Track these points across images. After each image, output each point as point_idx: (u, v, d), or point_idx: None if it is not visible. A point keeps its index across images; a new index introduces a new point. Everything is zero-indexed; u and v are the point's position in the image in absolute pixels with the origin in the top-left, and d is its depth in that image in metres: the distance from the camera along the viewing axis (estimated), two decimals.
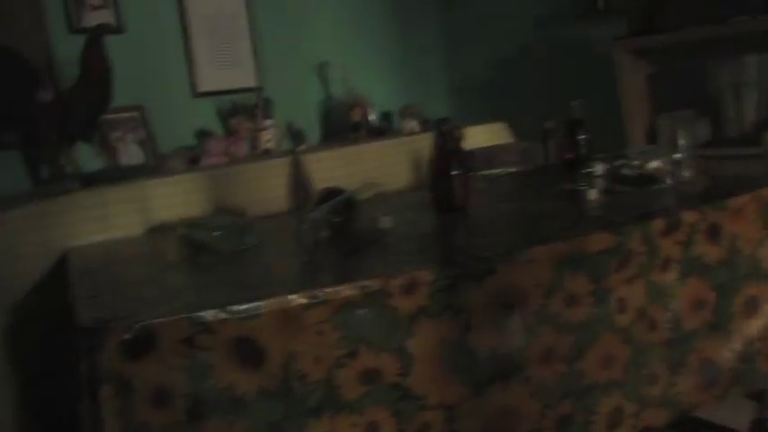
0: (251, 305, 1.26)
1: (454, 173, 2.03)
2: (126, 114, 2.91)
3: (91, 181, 2.51)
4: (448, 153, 2.06)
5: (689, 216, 1.69)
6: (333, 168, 2.74)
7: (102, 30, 2.61)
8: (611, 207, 1.90)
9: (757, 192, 1.81)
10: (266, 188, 2.65)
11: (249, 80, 3.34)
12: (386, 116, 3.61)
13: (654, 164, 2.17)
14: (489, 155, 3.16)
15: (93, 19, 2.82)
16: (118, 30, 2.95)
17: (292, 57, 3.55)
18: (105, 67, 2.57)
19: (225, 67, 3.29)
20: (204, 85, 3.21)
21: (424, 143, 3.19)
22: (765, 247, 1.83)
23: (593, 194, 1.97)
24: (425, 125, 3.43)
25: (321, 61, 3.61)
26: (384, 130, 3.44)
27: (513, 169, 2.96)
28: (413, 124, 3.40)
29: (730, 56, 3.11)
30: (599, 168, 2.22)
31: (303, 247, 1.69)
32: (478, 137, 3.36)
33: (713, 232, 1.74)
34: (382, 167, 2.94)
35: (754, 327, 1.83)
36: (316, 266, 1.62)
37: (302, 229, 1.71)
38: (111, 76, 2.59)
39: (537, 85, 3.84)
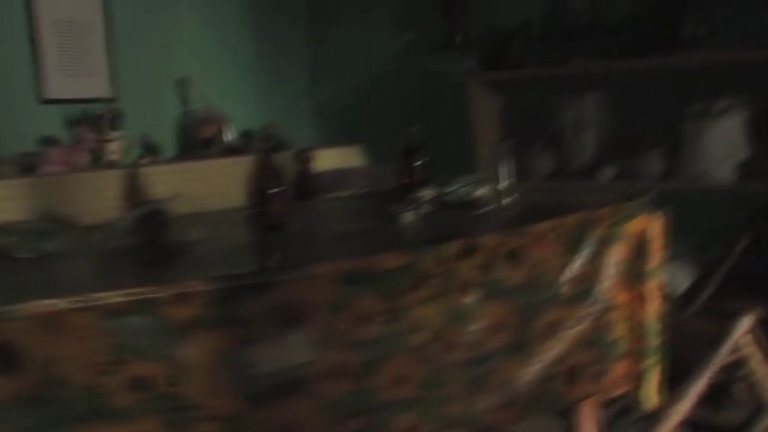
0: (7, 308, 1.22)
1: (272, 190, 2.03)
2: None
3: None
4: (267, 170, 2.06)
5: (488, 240, 1.73)
6: (173, 183, 2.69)
7: None
8: (422, 229, 1.93)
9: (560, 219, 1.87)
10: (102, 199, 2.59)
11: (102, 90, 3.27)
12: (246, 135, 3.60)
13: (478, 190, 2.24)
14: (339, 177, 3.18)
15: None
16: None
17: (152, 70, 3.51)
18: None
19: (77, 75, 3.21)
20: (52, 92, 3.13)
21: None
22: (567, 272, 1.90)
23: (409, 217, 2.01)
24: (281, 146, 3.43)
25: (182, 76, 3.58)
26: (240, 148, 3.43)
27: (359, 191, 2.99)
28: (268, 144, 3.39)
29: (573, 94, 3.25)
30: (427, 193, 2.28)
31: (100, 255, 1.66)
32: (332, 159, 3.39)
33: (515, 257, 1.79)
34: (225, 184, 2.91)
35: (554, 349, 1.89)
36: (107, 273, 1.58)
37: (103, 237, 1.68)
38: None
39: (396, 113, 3.91)
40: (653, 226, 2.07)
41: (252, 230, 2.00)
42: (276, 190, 2.05)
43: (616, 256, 2.00)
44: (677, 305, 2.92)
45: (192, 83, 3.57)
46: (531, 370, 1.86)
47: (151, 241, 1.77)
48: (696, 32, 2.99)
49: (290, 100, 4.23)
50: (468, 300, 1.73)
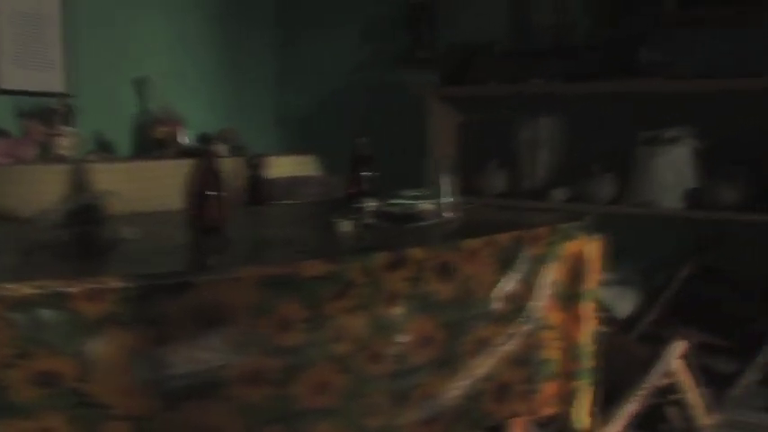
0: None
1: (210, 194, 2.01)
2: None
3: None
4: (206, 173, 2.04)
5: (417, 253, 1.72)
6: (118, 182, 2.67)
7: None
8: (354, 239, 1.92)
9: (494, 236, 1.88)
10: (45, 192, 2.56)
11: (57, 84, 3.24)
12: (204, 138, 3.59)
13: (421, 204, 2.24)
14: (292, 184, 3.18)
15: None
16: None
17: (111, 67, 3.48)
18: None
19: (32, 67, 3.18)
20: (5, 83, 3.09)
21: (224, 168, 3.20)
22: (500, 289, 1.90)
23: (346, 227, 2.00)
24: (236, 151, 3.43)
25: (141, 75, 3.56)
26: (195, 151, 3.40)
27: (310, 200, 2.99)
28: (222, 148, 3.38)
29: (530, 114, 3.27)
30: (370, 204, 2.28)
31: (26, 247, 1.64)
32: (287, 167, 3.38)
33: (445, 271, 1.79)
34: (172, 186, 2.90)
35: (483, 366, 1.89)
36: (26, 265, 1.56)
37: (33, 228, 1.66)
38: None
39: (357, 124, 3.91)
40: (591, 248, 2.08)
41: (187, 232, 1.99)
42: (214, 193, 2.03)
43: (551, 276, 2.01)
44: (621, 329, 2.94)
45: (151, 83, 3.55)
46: (459, 385, 1.85)
47: (80, 236, 1.75)
48: (652, 61, 3.02)
49: (254, 106, 4.22)
50: (396, 312, 1.72)
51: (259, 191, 3.16)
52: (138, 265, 1.60)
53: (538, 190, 3.24)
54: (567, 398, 2.08)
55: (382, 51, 3.93)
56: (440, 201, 2.23)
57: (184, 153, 3.32)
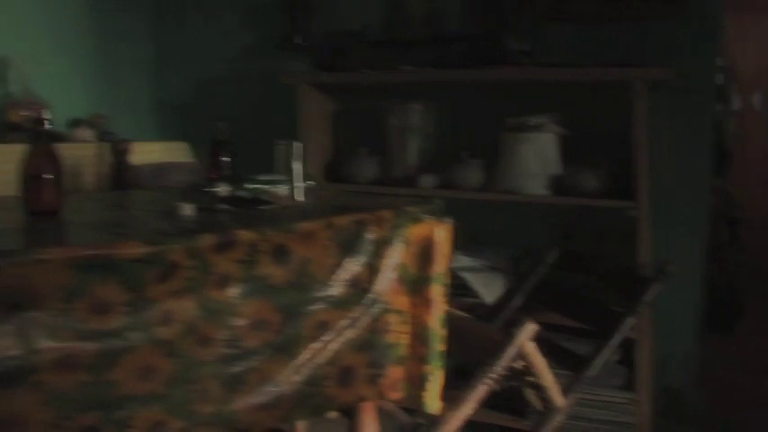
0: None
1: (44, 176, 1.94)
2: None
3: None
4: (40, 156, 1.97)
5: (247, 236, 1.69)
6: None
7: None
8: (191, 222, 1.88)
9: (331, 218, 1.86)
10: None
11: None
12: (74, 124, 3.48)
13: (273, 188, 2.21)
14: (159, 171, 3.11)
15: None
16: None
17: None
18: None
19: None
20: None
21: (86, 152, 3.11)
22: (339, 273, 1.88)
23: (187, 210, 1.96)
24: (104, 136, 3.34)
25: (1, 55, 3.42)
26: (59, 136, 3.29)
27: (177, 185, 2.93)
28: (87, 133, 3.28)
29: (401, 102, 3.28)
30: (222, 188, 2.24)
31: None
32: (157, 153, 3.32)
33: (280, 254, 1.76)
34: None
35: (322, 351, 1.87)
36: None
37: None
38: None
39: (237, 110, 3.87)
40: (439, 232, 2.08)
41: (18, 215, 1.91)
42: (50, 176, 1.96)
43: (396, 259, 2.00)
44: (487, 315, 2.97)
45: (14, 64, 3.41)
46: (298, 370, 1.83)
47: None
48: (519, 50, 3.06)
49: (132, 93, 4.12)
50: (228, 295, 1.69)
51: (124, 177, 3.09)
52: None
53: (408, 177, 3.24)
54: (417, 382, 2.08)
55: (262, 37, 3.88)
56: (293, 186, 2.21)
57: (51, 137, 3.21)
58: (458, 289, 3.11)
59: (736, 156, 7.18)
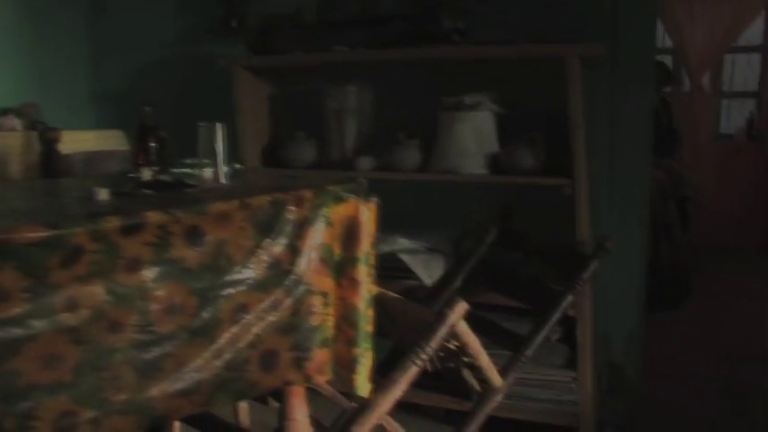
0: None
1: None
2: None
3: None
4: None
5: (157, 218, 1.65)
6: None
7: None
8: (102, 207, 1.82)
9: (247, 199, 1.81)
10: None
11: None
12: (3, 112, 3.40)
13: (198, 171, 2.17)
14: (90, 159, 3.05)
15: None
16: None
17: None
18: None
19: None
20: None
21: (13, 142, 3.03)
22: (258, 255, 1.84)
23: (102, 194, 1.90)
24: (34, 125, 3.26)
25: None
26: None
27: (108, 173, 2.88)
28: (14, 122, 3.21)
29: (336, 84, 3.24)
30: (145, 173, 2.19)
31: None
32: (89, 142, 3.25)
33: (193, 236, 1.72)
34: None
35: (243, 334, 1.82)
36: None
37: None
38: None
39: (175, 96, 3.81)
40: (363, 211, 2.04)
41: None
42: None
43: (319, 239, 1.96)
44: (428, 297, 2.95)
45: None
46: (218, 355, 1.78)
47: None
48: (454, 28, 3.04)
49: (68, 81, 4.04)
50: (138, 279, 1.64)
51: (53, 165, 3.02)
52: None
53: (346, 160, 3.21)
54: (346, 364, 2.05)
55: (198, 22, 3.82)
56: (218, 169, 2.17)
57: None
58: (398, 272, 3.09)
59: (686, 137, 7.26)
